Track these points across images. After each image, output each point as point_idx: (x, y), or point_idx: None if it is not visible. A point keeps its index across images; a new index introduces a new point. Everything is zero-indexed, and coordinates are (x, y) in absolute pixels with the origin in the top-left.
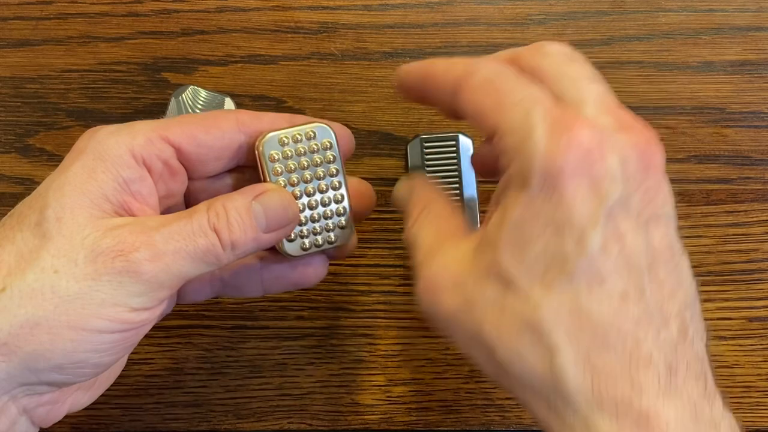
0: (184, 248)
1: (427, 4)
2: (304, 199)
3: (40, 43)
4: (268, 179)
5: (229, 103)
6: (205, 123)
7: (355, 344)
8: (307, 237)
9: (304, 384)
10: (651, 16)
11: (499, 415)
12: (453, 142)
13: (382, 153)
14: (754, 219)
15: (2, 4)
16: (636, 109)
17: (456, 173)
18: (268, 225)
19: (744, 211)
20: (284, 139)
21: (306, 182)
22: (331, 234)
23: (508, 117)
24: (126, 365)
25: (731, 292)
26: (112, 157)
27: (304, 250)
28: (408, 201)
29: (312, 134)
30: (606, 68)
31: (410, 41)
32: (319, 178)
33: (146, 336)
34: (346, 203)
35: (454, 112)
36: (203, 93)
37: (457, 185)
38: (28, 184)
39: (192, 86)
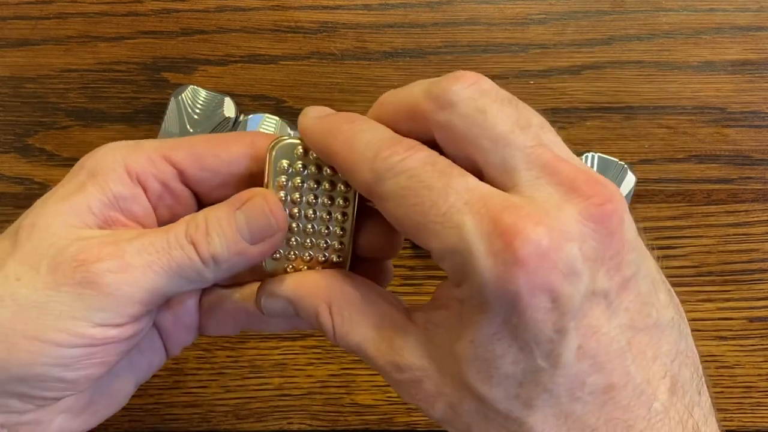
0: (156, 261)
1: (427, 4)
2: (302, 222)
3: (39, 43)
4: (269, 188)
5: (228, 103)
6: (214, 146)
7: None
8: (292, 260)
9: (304, 384)
10: (651, 16)
11: None
12: None
13: None
14: (755, 219)
15: (1, 4)
16: (636, 108)
17: None
18: (252, 235)
19: (745, 211)
20: (299, 151)
21: (309, 205)
22: (321, 263)
23: (439, 239)
24: None
25: (732, 292)
26: (105, 171)
27: (286, 272)
28: (306, 306)
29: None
30: (606, 68)
31: (410, 41)
32: (324, 205)
33: None
34: (346, 239)
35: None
36: (203, 93)
37: None
38: (28, 184)
39: (192, 86)
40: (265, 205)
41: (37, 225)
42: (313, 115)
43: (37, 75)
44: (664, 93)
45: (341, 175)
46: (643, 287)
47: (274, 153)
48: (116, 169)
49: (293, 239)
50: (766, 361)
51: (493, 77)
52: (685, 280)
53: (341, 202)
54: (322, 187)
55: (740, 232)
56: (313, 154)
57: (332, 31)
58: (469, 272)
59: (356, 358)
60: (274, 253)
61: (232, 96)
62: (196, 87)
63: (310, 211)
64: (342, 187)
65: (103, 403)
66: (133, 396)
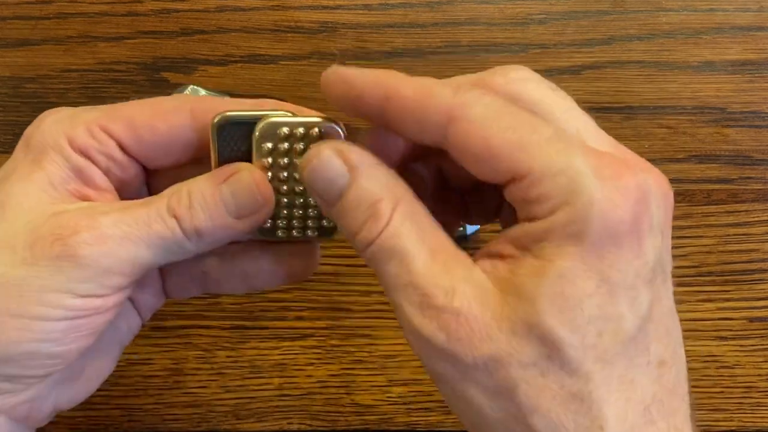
0: (135, 233)
1: (427, 4)
2: (290, 196)
3: (39, 43)
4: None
5: None
6: (151, 116)
7: (355, 344)
8: (282, 228)
9: (304, 384)
10: (652, 16)
11: None
12: None
13: None
14: (755, 219)
15: (1, 4)
16: (636, 108)
17: None
18: (237, 210)
19: (745, 211)
20: (284, 131)
21: (297, 181)
22: (310, 230)
23: (544, 158)
24: (125, 365)
25: (732, 292)
26: (52, 147)
27: (278, 236)
28: (360, 188)
29: (315, 133)
30: (607, 68)
31: (410, 41)
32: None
33: (145, 336)
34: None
35: (430, 143)
36: (203, 93)
37: None
38: None
39: (191, 86)
40: (251, 179)
41: (7, 204)
42: (356, 68)
43: (37, 75)
44: (664, 93)
45: (402, 114)
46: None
47: (257, 134)
48: (61, 143)
49: (283, 211)
50: (766, 361)
51: None
52: (685, 280)
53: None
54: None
55: (740, 232)
56: (299, 131)
57: (332, 31)
58: (576, 192)
59: (356, 358)
60: (264, 223)
61: (232, 96)
62: (196, 87)
63: (299, 187)
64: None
65: (94, 371)
66: (133, 396)
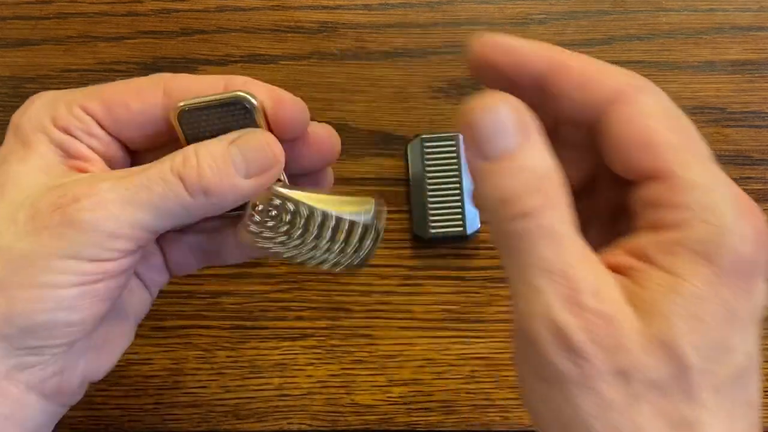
0: (135, 197)
1: (427, 4)
2: (309, 243)
3: (39, 43)
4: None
5: None
6: (125, 94)
7: (355, 344)
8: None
9: (304, 384)
10: (652, 16)
11: (500, 416)
12: (453, 142)
13: (383, 153)
14: None
15: (2, 4)
16: None
17: (456, 173)
18: (248, 169)
19: None
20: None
21: (308, 234)
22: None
23: (696, 170)
24: (125, 365)
25: None
26: (39, 129)
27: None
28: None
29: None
30: None
31: (410, 41)
32: (312, 233)
33: (145, 336)
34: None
35: (581, 119)
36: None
37: (457, 185)
38: None
39: None
40: (262, 137)
41: (6, 184)
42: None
43: (37, 75)
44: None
45: (566, 85)
46: None
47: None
48: (45, 124)
49: (309, 253)
50: (766, 361)
51: None
52: None
53: (330, 223)
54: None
55: None
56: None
57: (332, 31)
58: (715, 214)
59: (356, 358)
60: (296, 257)
61: None
62: None
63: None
64: (317, 215)
65: (116, 339)
66: (132, 396)
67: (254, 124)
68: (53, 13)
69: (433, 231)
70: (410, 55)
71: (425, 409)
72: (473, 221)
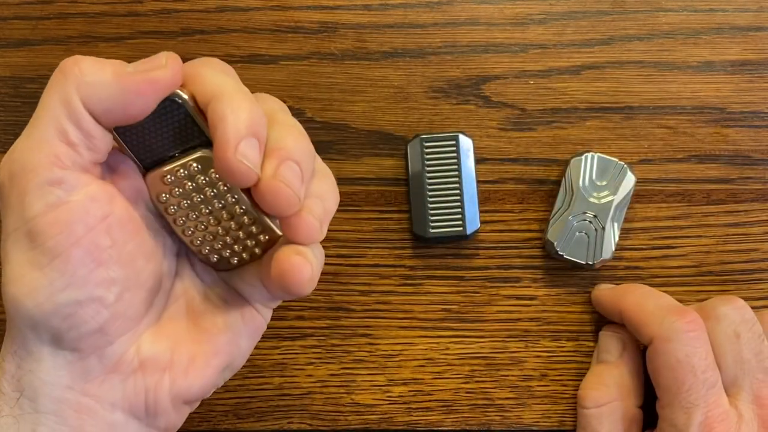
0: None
1: (427, 4)
2: (210, 233)
3: (39, 43)
4: (167, 219)
5: None
6: (126, 95)
7: (355, 344)
8: (231, 257)
9: (304, 384)
10: (651, 16)
11: (499, 415)
12: (453, 142)
13: (382, 153)
14: (755, 219)
15: (2, 4)
16: (636, 108)
17: (456, 173)
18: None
19: (744, 211)
20: (168, 178)
21: (204, 216)
22: (257, 247)
23: (675, 413)
24: None
25: (731, 292)
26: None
27: (232, 264)
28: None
29: (198, 168)
30: (606, 68)
31: (410, 41)
32: (216, 211)
33: None
34: (256, 227)
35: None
36: None
37: (457, 185)
38: None
39: None
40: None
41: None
42: (604, 286)
43: (38, 75)
44: (663, 93)
45: (628, 325)
46: None
47: (150, 189)
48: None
49: (215, 244)
50: None
51: (493, 77)
52: (684, 279)
53: (231, 199)
54: (206, 198)
55: (739, 232)
56: (179, 176)
57: (332, 31)
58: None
59: (356, 358)
60: (208, 257)
61: None
62: None
63: (213, 218)
64: (223, 188)
65: (204, 355)
66: None
67: (191, 119)
68: (54, 13)
69: (432, 231)
70: (410, 55)
71: (425, 408)
72: (473, 221)
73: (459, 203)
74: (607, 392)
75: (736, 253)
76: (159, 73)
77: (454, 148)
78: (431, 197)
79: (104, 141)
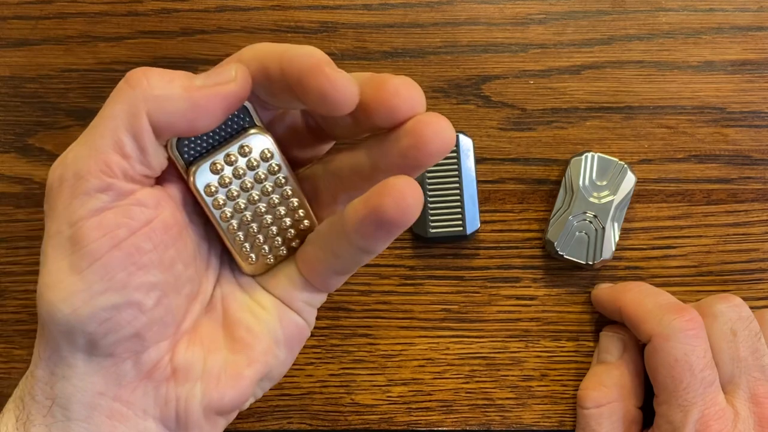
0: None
1: (427, 4)
2: (256, 222)
3: (39, 43)
4: (211, 215)
5: None
6: (195, 110)
7: (355, 344)
8: (266, 254)
9: (304, 384)
10: (651, 16)
11: (499, 415)
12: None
13: None
14: (755, 219)
15: (1, 4)
16: (636, 108)
17: (456, 173)
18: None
19: (744, 211)
20: (217, 165)
21: (253, 203)
22: (292, 239)
23: (672, 412)
24: None
25: (732, 292)
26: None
27: (268, 264)
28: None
29: (247, 149)
30: (606, 68)
31: (410, 41)
32: (267, 194)
33: None
34: (302, 210)
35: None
36: None
37: (457, 185)
38: (27, 184)
39: None
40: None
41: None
42: (604, 286)
43: (38, 75)
44: (664, 93)
45: (627, 322)
46: None
47: (194, 183)
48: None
49: (258, 237)
50: None
51: (493, 77)
52: (684, 279)
53: (282, 180)
54: (257, 180)
55: (740, 231)
56: (229, 161)
57: (332, 31)
58: (681, 403)
59: (356, 358)
60: (247, 258)
61: None
62: None
63: (261, 207)
64: (275, 166)
65: (236, 365)
66: None
67: (252, 122)
68: (53, 13)
69: (432, 230)
70: (410, 55)
71: (425, 408)
72: (473, 221)
73: (459, 203)
74: (607, 393)
75: (737, 253)
76: (230, 88)
77: (454, 148)
78: (431, 197)
79: (156, 158)
